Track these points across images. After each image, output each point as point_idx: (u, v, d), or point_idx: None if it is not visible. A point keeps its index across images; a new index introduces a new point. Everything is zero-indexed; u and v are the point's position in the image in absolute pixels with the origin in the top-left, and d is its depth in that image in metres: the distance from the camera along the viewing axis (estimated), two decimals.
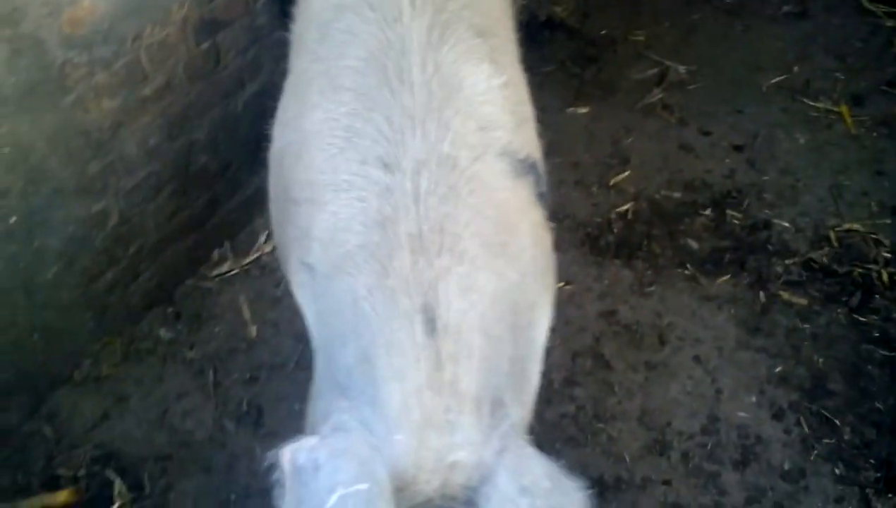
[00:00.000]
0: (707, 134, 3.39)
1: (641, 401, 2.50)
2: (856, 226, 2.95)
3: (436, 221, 1.36)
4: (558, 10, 3.96)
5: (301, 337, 2.55)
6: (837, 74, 3.58)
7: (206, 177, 2.74)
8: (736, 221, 3.01)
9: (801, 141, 3.32)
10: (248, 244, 2.98)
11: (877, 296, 2.73)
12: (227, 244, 2.97)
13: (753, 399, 2.50)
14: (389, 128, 1.45)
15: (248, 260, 2.92)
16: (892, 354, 2.58)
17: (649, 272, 2.86)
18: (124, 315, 2.67)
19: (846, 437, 2.39)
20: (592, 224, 3.03)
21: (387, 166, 1.41)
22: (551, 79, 3.60)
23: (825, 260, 2.85)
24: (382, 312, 1.31)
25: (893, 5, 3.85)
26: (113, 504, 2.26)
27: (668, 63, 3.70)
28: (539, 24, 3.86)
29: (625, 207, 3.07)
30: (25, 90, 2.01)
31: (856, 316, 2.68)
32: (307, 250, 1.52)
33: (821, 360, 2.57)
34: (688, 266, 2.87)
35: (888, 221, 2.96)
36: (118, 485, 2.30)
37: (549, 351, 1.59)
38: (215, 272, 2.90)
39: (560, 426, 2.43)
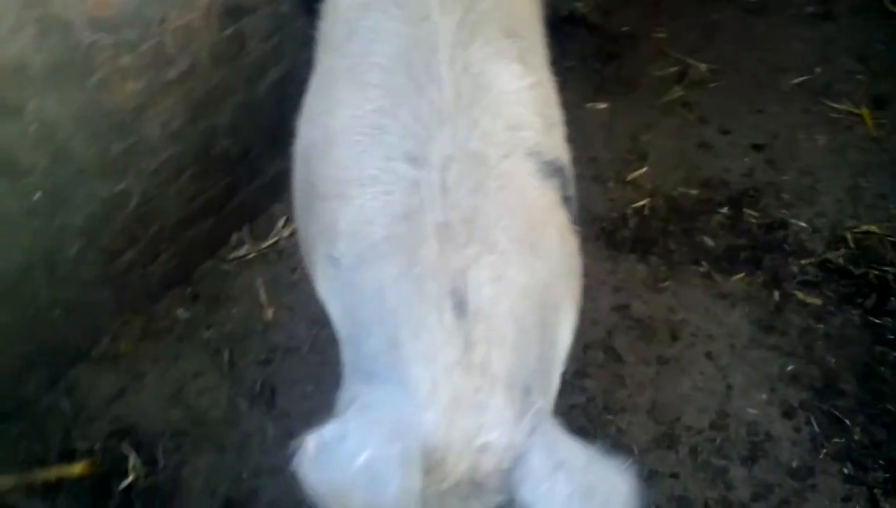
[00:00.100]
0: (727, 132, 3.39)
1: (652, 395, 2.50)
2: (873, 227, 2.93)
3: (464, 212, 1.33)
4: (580, 5, 3.98)
5: (316, 321, 2.59)
6: (859, 76, 3.57)
7: (227, 161, 2.77)
8: (753, 220, 3.00)
9: (821, 142, 3.31)
10: (267, 228, 3.01)
11: (892, 298, 2.71)
12: (245, 228, 3.01)
13: (764, 396, 2.49)
14: (416, 124, 1.43)
15: (265, 245, 2.96)
16: None
17: (664, 268, 2.86)
18: (143, 294, 2.71)
19: (856, 437, 2.38)
20: (608, 218, 3.03)
21: (414, 161, 1.40)
22: (572, 74, 3.59)
23: (841, 260, 2.83)
24: (409, 298, 1.28)
25: None
26: (127, 477, 2.30)
27: (689, 61, 3.70)
28: (561, 20, 3.86)
29: (641, 203, 3.08)
30: (52, 69, 2.04)
31: (870, 317, 2.66)
32: (332, 243, 1.50)
33: (833, 360, 2.56)
34: (703, 263, 2.87)
35: None
36: (133, 459, 2.34)
37: None
38: (233, 255, 2.93)
39: (570, 417, 2.43)
